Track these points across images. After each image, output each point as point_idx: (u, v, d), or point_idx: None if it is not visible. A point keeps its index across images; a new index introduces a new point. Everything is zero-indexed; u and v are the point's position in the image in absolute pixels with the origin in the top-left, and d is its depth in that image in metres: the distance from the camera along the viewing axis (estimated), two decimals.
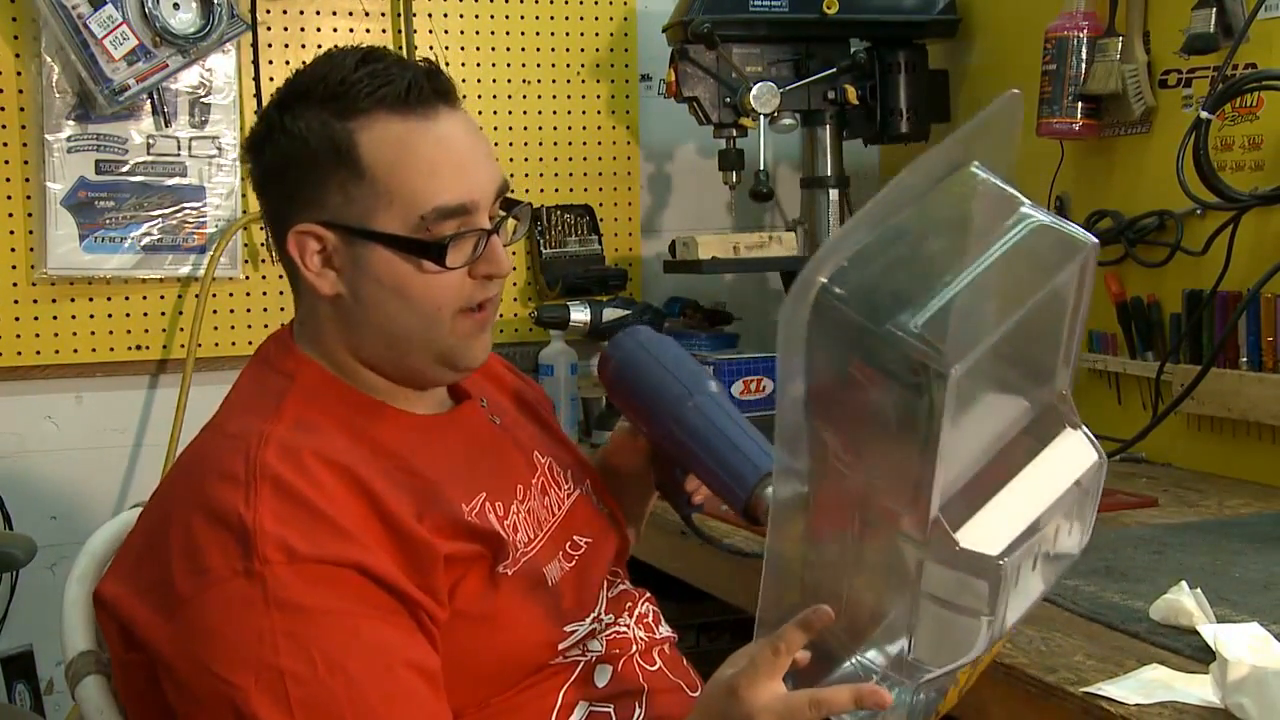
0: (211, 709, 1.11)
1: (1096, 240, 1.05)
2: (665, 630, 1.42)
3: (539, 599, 1.28)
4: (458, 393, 1.40)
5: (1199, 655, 1.26)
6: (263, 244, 2.59)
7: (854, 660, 1.09)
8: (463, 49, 2.76)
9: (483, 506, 1.27)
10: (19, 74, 2.46)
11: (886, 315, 0.94)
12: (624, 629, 1.36)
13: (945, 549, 0.98)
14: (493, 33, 2.79)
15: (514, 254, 1.36)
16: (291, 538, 1.12)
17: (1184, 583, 1.38)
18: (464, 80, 2.76)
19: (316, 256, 1.26)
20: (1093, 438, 1.12)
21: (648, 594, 1.44)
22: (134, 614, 1.17)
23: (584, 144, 2.87)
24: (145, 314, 2.57)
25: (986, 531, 1.00)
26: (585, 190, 2.88)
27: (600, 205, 2.88)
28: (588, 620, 1.32)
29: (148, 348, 2.58)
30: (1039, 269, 1.01)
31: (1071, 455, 1.10)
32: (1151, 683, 1.21)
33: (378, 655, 1.12)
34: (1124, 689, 1.20)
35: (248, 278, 2.61)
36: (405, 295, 1.25)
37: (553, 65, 2.84)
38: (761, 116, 2.56)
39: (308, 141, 1.23)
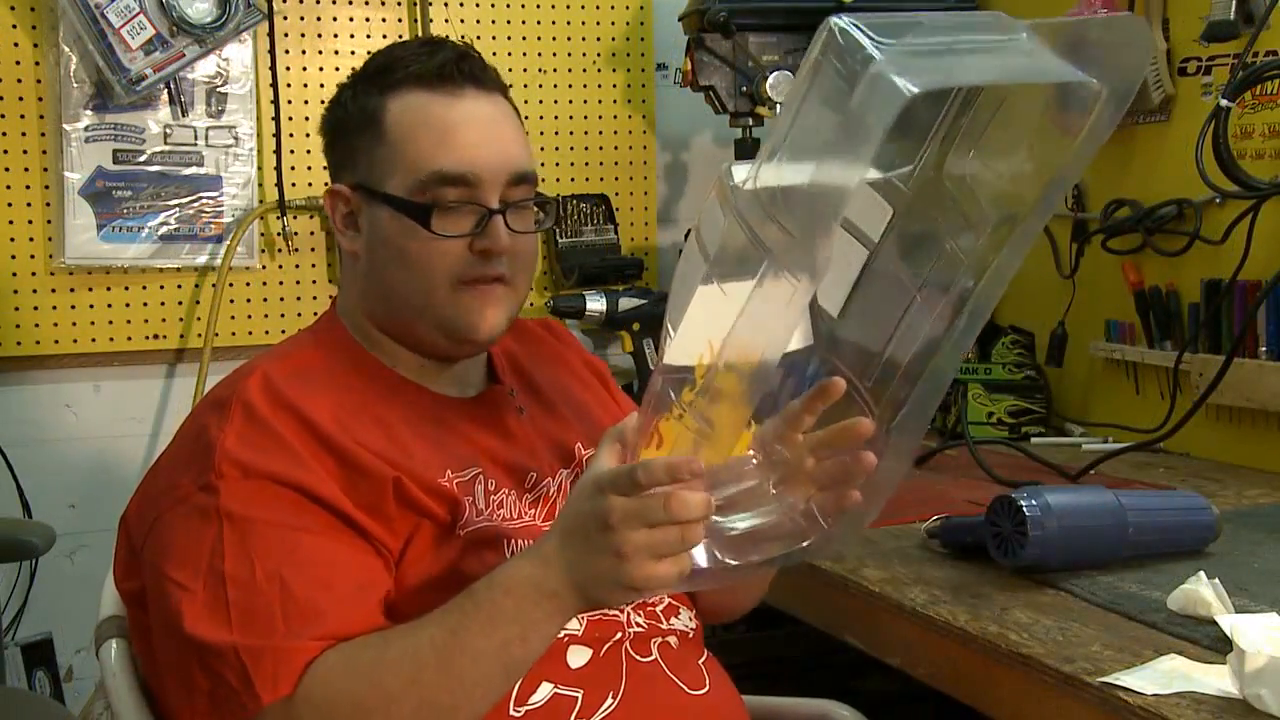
0: (160, 607, 1.18)
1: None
2: (680, 623, 1.36)
3: (487, 561, 1.24)
4: (493, 377, 1.41)
5: (1217, 645, 1.25)
6: (279, 233, 2.59)
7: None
8: (479, 38, 2.75)
9: (474, 478, 1.28)
10: (37, 64, 2.47)
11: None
12: (615, 612, 1.30)
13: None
14: (509, 21, 2.79)
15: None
16: (246, 455, 1.20)
17: (1202, 573, 1.37)
18: None
19: (342, 216, 1.35)
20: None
21: None
22: (134, 532, 1.26)
23: (600, 133, 2.87)
24: (162, 303, 2.58)
25: None
26: (601, 179, 2.88)
27: (616, 194, 2.88)
28: None
29: (165, 337, 2.59)
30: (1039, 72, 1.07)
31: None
32: (1169, 673, 1.21)
33: (314, 568, 1.17)
34: (1141, 679, 1.19)
35: (264, 267, 2.60)
36: (403, 258, 1.30)
37: (569, 54, 2.83)
38: (778, 105, 2.55)
39: (350, 112, 1.35)
